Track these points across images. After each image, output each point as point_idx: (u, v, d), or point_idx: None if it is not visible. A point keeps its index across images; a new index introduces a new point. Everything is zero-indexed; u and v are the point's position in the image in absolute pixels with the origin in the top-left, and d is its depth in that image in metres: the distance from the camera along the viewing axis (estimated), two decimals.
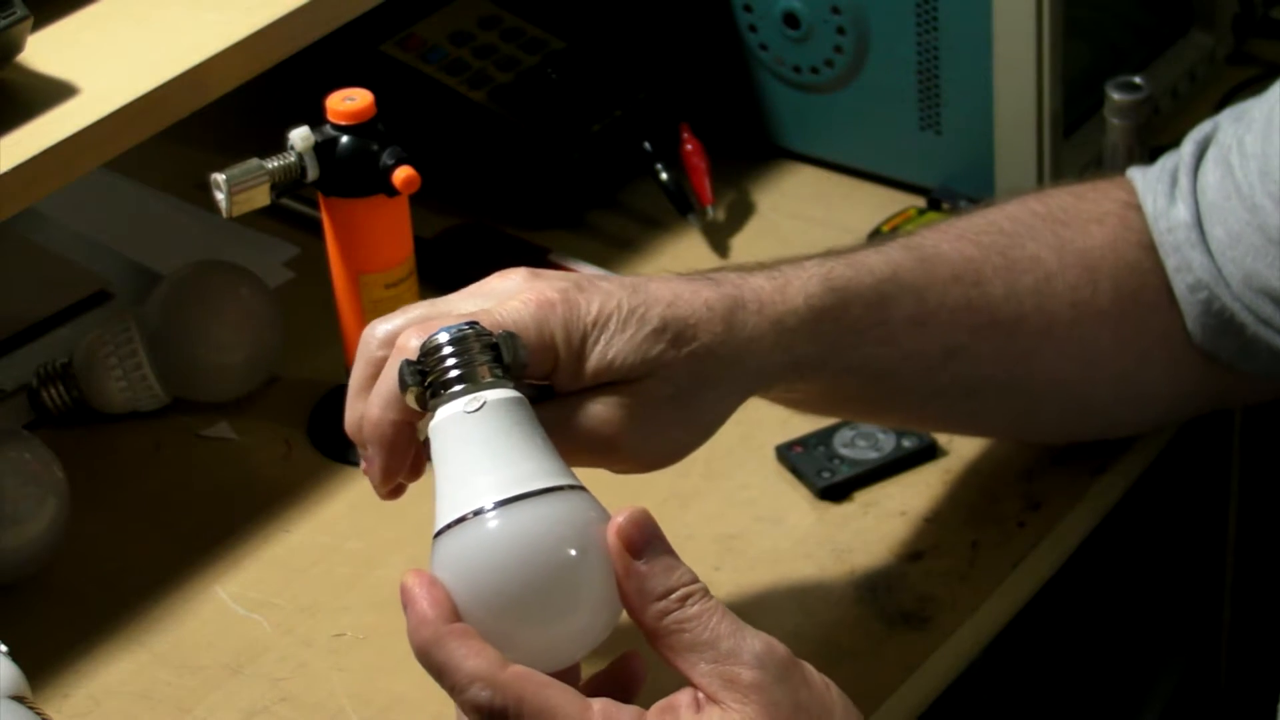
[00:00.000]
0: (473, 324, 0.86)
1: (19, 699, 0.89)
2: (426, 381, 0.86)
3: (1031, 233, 1.08)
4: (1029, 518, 1.14)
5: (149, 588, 1.14)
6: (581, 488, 0.83)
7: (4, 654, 0.90)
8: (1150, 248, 1.09)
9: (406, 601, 0.81)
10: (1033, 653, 1.33)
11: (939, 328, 1.03)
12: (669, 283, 0.96)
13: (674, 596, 0.82)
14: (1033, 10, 1.26)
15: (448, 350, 0.85)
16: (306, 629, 1.11)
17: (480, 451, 0.83)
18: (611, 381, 0.93)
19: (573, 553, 0.81)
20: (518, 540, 0.81)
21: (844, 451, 1.17)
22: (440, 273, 1.30)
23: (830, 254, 1.02)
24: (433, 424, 0.84)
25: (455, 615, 0.80)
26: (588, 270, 1.28)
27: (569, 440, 0.91)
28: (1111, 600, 1.42)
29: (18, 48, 1.06)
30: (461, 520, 0.81)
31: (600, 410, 0.92)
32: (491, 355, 0.86)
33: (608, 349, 0.92)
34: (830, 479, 1.16)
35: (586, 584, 0.81)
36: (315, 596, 1.13)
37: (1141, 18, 1.44)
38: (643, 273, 1.27)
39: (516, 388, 0.86)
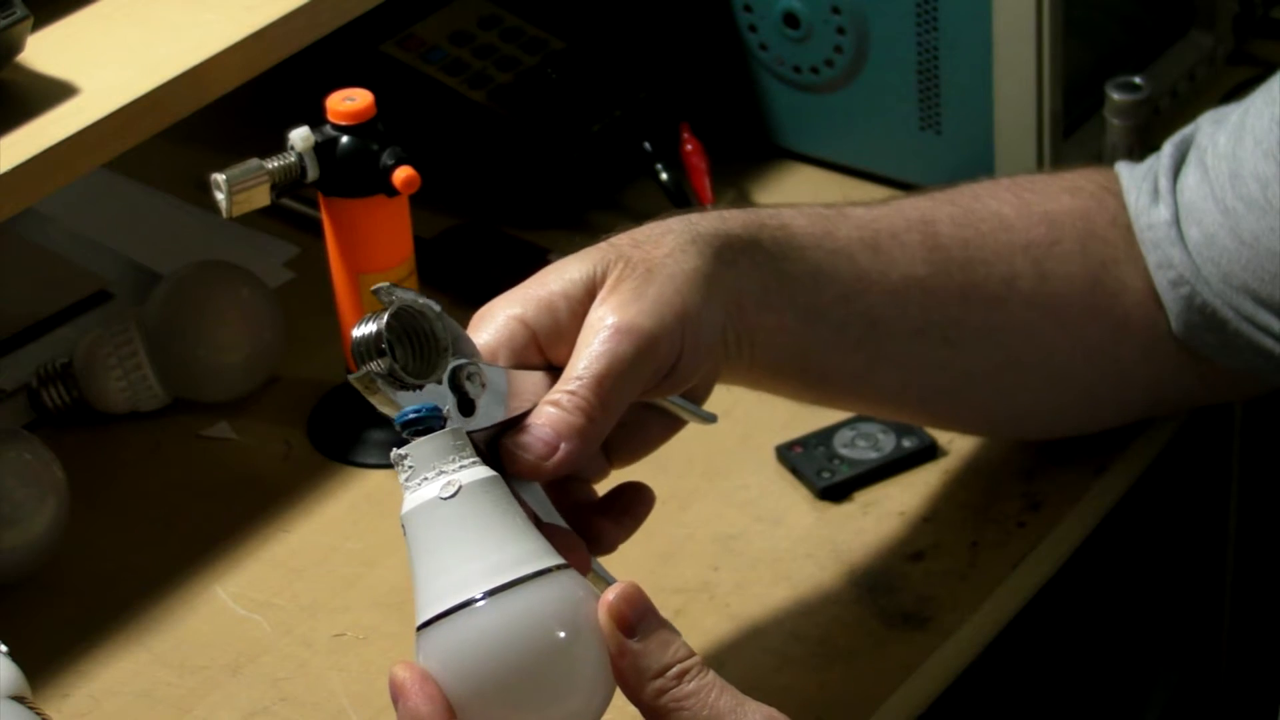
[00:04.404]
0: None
1: (19, 699, 0.89)
2: (366, 371, 0.85)
3: (991, 192, 1.10)
4: (1029, 518, 1.14)
5: (149, 588, 1.14)
6: (566, 566, 0.82)
7: (4, 654, 0.90)
8: (1125, 228, 1.10)
9: (398, 696, 0.80)
10: (1033, 653, 1.33)
11: (895, 255, 1.04)
12: None
13: (671, 673, 0.81)
14: (1033, 10, 1.26)
15: (370, 328, 0.85)
16: (306, 629, 1.11)
17: (460, 539, 0.81)
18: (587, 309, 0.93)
19: (566, 637, 0.80)
20: (512, 630, 0.80)
21: (844, 451, 1.17)
22: (440, 273, 1.30)
23: None
24: (407, 511, 0.83)
25: (449, 711, 0.80)
26: None
27: (605, 373, 0.91)
28: (1112, 600, 1.42)
29: (18, 48, 1.06)
30: (450, 612, 0.80)
31: (604, 320, 0.92)
32: (405, 316, 0.86)
33: (562, 273, 0.93)
34: (830, 479, 1.16)
35: (581, 667, 0.81)
36: (315, 596, 1.13)
37: (1141, 18, 1.44)
38: None
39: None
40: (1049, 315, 1.08)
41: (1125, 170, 1.12)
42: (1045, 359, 1.09)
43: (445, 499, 0.82)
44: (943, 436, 1.18)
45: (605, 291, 0.93)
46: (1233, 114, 1.09)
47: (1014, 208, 1.08)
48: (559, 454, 0.89)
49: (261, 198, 1.12)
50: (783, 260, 1.00)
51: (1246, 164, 1.06)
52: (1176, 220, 1.08)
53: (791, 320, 1.01)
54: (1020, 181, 1.11)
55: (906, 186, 1.37)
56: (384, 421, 0.88)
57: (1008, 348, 1.08)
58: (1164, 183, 1.09)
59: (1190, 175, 1.09)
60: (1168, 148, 1.11)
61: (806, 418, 1.19)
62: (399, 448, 0.83)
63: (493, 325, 0.92)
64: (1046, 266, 1.07)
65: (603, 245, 0.96)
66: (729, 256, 0.98)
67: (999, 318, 1.07)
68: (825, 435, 1.18)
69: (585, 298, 0.93)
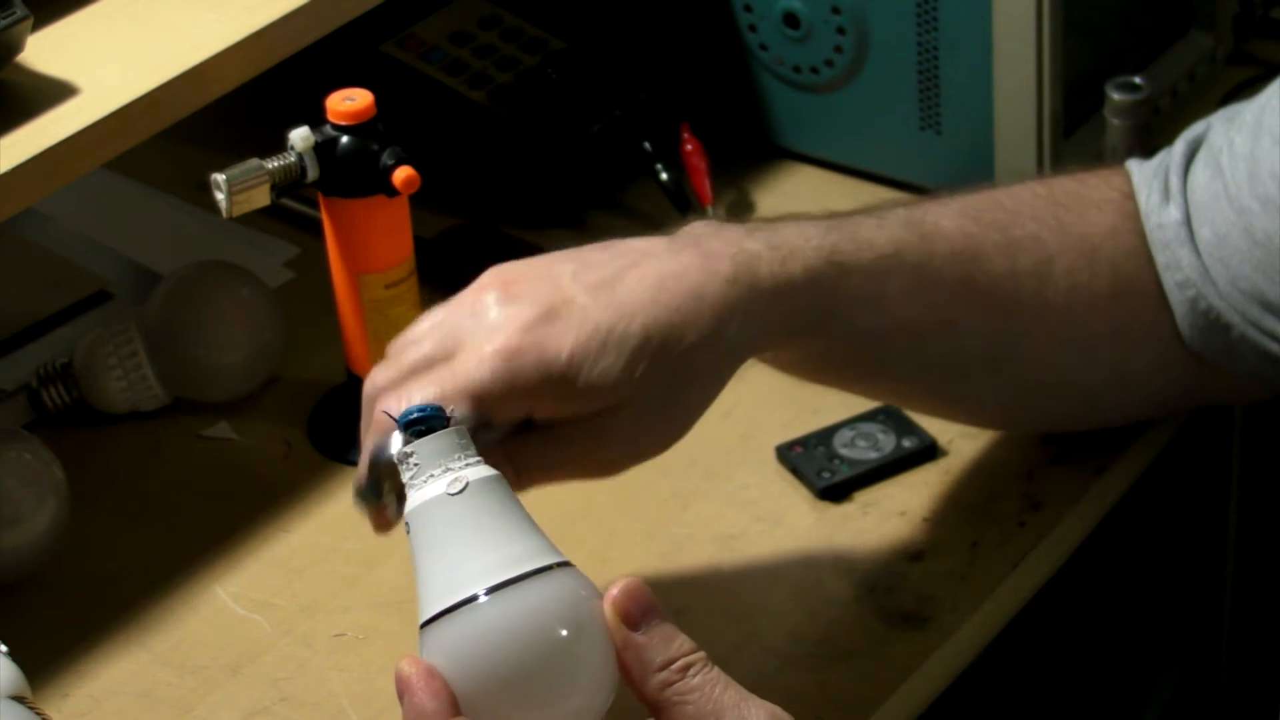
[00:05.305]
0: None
1: (19, 699, 0.89)
2: (384, 491, 0.90)
3: (1033, 212, 1.09)
4: (1029, 518, 1.14)
5: (149, 588, 1.14)
6: (568, 563, 0.83)
7: (4, 654, 0.90)
8: (1142, 232, 1.09)
9: (404, 691, 0.80)
10: (1033, 653, 1.33)
11: (934, 300, 1.04)
12: (651, 265, 0.97)
13: (675, 666, 0.81)
14: (1033, 10, 1.26)
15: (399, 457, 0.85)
16: (306, 629, 1.11)
17: (464, 535, 0.82)
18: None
19: (568, 633, 0.80)
20: (515, 626, 0.80)
21: (844, 451, 1.17)
22: (440, 273, 1.30)
23: (833, 220, 1.04)
24: (412, 508, 0.83)
25: (455, 706, 0.80)
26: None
27: (563, 466, 0.95)
28: (1112, 600, 1.42)
29: (18, 48, 1.06)
30: (454, 609, 0.80)
31: (593, 434, 0.95)
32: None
33: (592, 374, 0.94)
34: (830, 479, 1.16)
35: (584, 662, 0.81)
36: (315, 596, 1.13)
37: (1141, 18, 1.44)
38: None
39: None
40: (1071, 343, 1.08)
41: (1136, 168, 1.12)
42: (1057, 376, 1.09)
43: (453, 495, 0.82)
44: (943, 436, 1.18)
45: (618, 414, 0.95)
46: (1246, 112, 1.09)
47: (1053, 231, 1.08)
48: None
49: (261, 198, 1.12)
50: (830, 320, 1.01)
51: (1264, 163, 1.05)
52: (1188, 220, 1.08)
53: (810, 344, 1.03)
54: (1055, 192, 1.10)
55: (906, 186, 1.37)
56: None
57: (1020, 371, 1.09)
58: (1175, 181, 1.09)
59: (1200, 174, 1.08)
60: (1180, 145, 1.11)
61: (806, 418, 1.19)
62: (403, 446, 0.83)
63: (506, 391, 0.93)
64: (1077, 296, 1.07)
65: (637, 345, 0.95)
66: (762, 351, 1.01)
67: (1021, 348, 1.08)
68: (825, 435, 1.18)
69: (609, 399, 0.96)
